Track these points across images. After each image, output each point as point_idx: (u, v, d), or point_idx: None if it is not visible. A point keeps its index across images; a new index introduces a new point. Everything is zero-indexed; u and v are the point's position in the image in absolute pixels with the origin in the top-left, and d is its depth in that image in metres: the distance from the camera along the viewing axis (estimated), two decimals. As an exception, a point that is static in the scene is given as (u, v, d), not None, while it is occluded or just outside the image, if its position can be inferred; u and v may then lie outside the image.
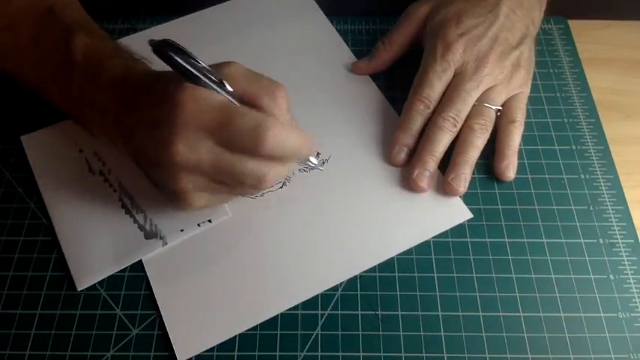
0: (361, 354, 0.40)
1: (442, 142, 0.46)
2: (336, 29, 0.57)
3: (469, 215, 0.45)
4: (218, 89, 0.38)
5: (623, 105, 0.53)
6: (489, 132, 0.47)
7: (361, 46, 0.56)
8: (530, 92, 0.52)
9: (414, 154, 0.47)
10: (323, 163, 0.48)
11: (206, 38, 0.56)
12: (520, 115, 0.49)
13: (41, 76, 0.47)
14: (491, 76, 0.48)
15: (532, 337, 0.40)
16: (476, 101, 0.48)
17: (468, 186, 0.46)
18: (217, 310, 0.41)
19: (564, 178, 0.48)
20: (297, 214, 0.46)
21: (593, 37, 0.57)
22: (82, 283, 0.43)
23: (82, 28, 0.46)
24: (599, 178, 0.47)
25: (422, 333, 0.40)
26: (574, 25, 0.58)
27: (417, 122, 0.48)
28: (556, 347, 0.40)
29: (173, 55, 0.37)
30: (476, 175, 0.48)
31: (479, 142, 0.47)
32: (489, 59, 0.48)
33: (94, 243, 0.44)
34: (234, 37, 0.56)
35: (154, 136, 0.39)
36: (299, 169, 0.48)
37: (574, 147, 0.49)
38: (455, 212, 0.46)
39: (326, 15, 0.58)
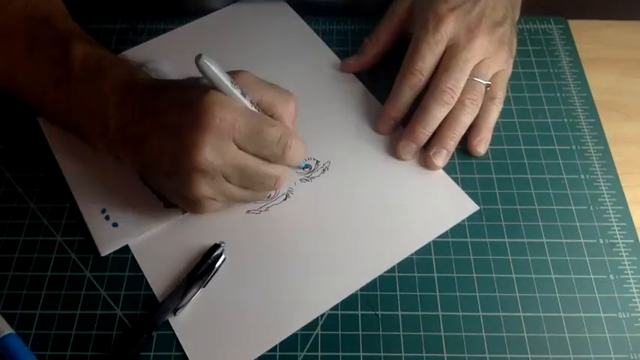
0: (361, 354, 0.40)
1: (437, 117, 0.47)
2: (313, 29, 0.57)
3: (475, 207, 0.45)
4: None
5: (623, 105, 0.53)
6: (478, 108, 0.48)
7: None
8: (530, 92, 0.52)
9: (407, 125, 0.48)
10: (323, 170, 0.48)
11: (187, 54, 0.55)
12: (501, 92, 0.49)
13: (37, 88, 0.46)
14: (482, 47, 0.48)
15: (532, 337, 0.40)
16: (468, 75, 0.48)
17: (468, 185, 0.47)
18: (233, 335, 0.40)
19: (564, 178, 0.48)
20: (305, 226, 0.45)
21: (593, 37, 0.57)
22: (106, 249, 0.44)
23: (79, 37, 0.46)
24: (599, 178, 0.47)
25: (422, 333, 0.40)
26: (574, 25, 0.58)
27: (407, 96, 0.49)
28: (556, 347, 0.40)
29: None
30: (476, 175, 0.48)
31: (467, 118, 0.48)
32: (480, 30, 0.48)
33: (116, 211, 0.45)
34: (215, 50, 0.55)
35: (175, 142, 0.39)
36: (300, 179, 0.47)
37: (574, 147, 0.49)
38: (461, 205, 0.46)
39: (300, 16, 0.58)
